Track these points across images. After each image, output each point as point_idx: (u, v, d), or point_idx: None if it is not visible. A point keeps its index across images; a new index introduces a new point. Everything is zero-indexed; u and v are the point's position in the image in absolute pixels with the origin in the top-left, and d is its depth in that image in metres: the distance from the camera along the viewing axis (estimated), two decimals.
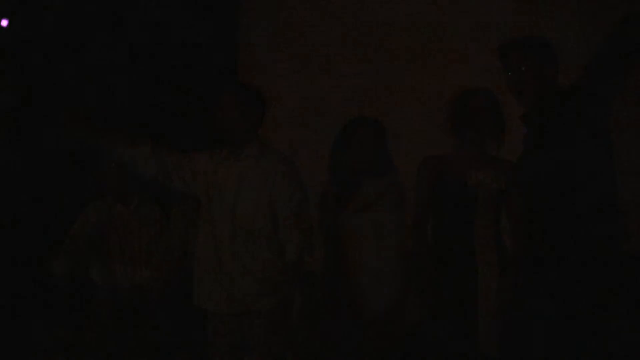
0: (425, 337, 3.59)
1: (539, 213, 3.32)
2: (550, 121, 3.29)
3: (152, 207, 4.48)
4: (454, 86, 3.79)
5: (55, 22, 5.18)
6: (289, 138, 4.87)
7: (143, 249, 4.39)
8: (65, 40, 5.20)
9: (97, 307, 4.34)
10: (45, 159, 5.14)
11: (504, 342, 3.38)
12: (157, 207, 4.50)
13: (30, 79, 5.17)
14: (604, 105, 3.19)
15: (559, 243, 3.24)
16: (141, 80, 5.31)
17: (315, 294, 3.83)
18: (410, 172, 3.69)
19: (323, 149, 4.40)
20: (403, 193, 3.94)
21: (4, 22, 5.12)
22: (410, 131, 4.69)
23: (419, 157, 3.66)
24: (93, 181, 4.46)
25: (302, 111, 4.90)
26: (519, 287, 3.39)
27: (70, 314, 4.60)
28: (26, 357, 4.75)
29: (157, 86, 5.30)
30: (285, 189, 3.64)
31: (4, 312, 4.97)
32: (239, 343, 3.67)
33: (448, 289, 3.51)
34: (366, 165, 3.92)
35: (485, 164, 3.55)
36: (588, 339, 3.17)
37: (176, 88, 5.27)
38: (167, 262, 4.35)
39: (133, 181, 4.36)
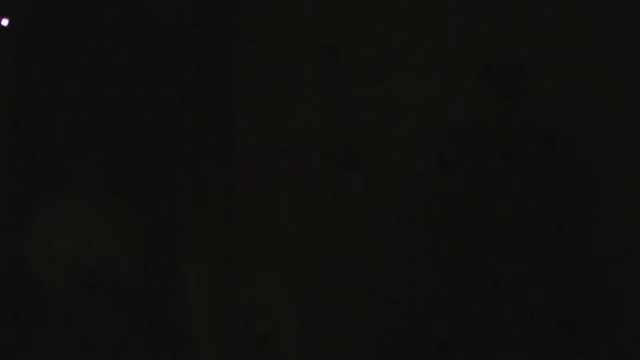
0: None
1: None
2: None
3: (122, 205, 4.50)
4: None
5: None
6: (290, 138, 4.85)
7: (108, 248, 4.40)
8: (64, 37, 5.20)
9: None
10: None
11: None
12: (127, 205, 4.53)
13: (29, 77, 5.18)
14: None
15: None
16: (139, 80, 5.29)
17: None
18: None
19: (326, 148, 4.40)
20: None
21: (4, 22, 5.12)
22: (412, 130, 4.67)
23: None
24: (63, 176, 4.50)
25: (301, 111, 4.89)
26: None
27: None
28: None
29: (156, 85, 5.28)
30: None
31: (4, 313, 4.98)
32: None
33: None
34: None
35: None
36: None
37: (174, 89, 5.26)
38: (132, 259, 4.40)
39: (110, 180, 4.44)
